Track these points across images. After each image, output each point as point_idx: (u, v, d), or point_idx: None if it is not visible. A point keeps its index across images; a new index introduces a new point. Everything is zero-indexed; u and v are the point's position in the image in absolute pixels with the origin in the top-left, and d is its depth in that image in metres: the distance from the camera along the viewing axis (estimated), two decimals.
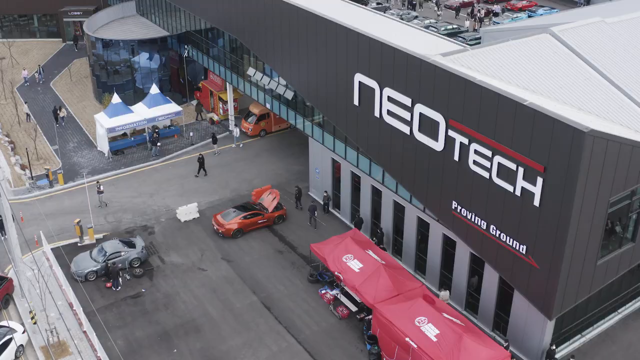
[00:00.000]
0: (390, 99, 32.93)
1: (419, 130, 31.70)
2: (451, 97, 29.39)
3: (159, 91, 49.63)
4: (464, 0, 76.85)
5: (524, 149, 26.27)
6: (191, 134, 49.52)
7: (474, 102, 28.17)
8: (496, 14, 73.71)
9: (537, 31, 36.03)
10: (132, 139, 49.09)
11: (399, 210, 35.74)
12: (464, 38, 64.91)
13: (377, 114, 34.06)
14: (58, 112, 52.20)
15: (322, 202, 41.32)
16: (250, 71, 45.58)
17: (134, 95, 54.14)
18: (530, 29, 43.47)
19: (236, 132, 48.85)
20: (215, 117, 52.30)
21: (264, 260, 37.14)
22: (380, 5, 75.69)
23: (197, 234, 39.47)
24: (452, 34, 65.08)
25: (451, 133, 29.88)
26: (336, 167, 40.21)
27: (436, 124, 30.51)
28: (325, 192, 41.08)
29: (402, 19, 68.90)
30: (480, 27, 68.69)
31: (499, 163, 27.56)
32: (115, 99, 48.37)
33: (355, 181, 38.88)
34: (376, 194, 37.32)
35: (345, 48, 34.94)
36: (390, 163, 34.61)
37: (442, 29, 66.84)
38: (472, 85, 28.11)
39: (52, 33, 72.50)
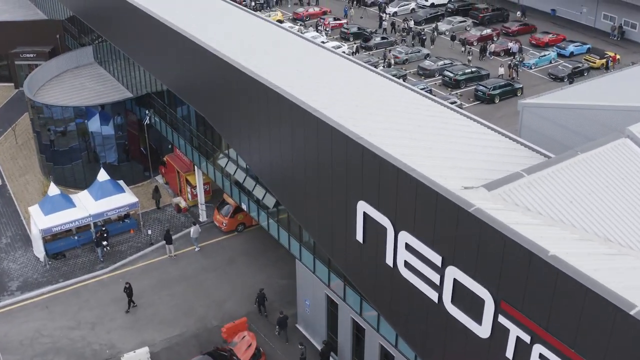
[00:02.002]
0: (409, 247, 22.69)
1: (453, 301, 21.51)
2: (505, 270, 19.18)
3: (108, 177, 39.25)
4: (482, 34, 66.39)
5: None
6: (149, 232, 39.21)
7: (544, 285, 17.97)
8: (512, 54, 62.88)
9: (608, 133, 26.06)
10: (76, 237, 38.87)
11: None
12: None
13: (389, 261, 23.82)
14: None
15: (319, 350, 31.08)
16: (222, 160, 35.34)
17: (83, 169, 43.98)
18: (586, 109, 33.42)
19: (193, 232, 38.44)
20: (183, 204, 41.97)
21: None
22: (385, 40, 65.30)
23: None
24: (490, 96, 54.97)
25: (503, 320, 19.68)
26: (332, 304, 30.02)
27: (480, 301, 20.30)
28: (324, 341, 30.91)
29: (422, 72, 58.54)
30: (517, 75, 58.05)
31: None
32: (53, 189, 38.10)
33: (358, 332, 28.69)
34: (387, 357, 27.11)
35: (343, 161, 24.72)
36: (407, 331, 24.40)
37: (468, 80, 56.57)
38: (540, 261, 17.90)
39: (3, 77, 62.25)
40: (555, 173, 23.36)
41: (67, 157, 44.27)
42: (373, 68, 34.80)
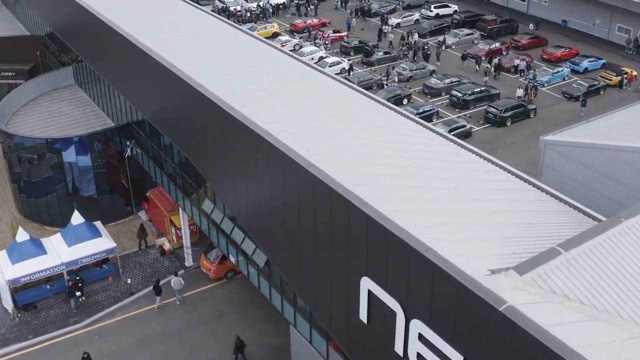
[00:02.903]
0: (423, 339, 18.89)
1: None
2: None
3: (82, 220, 35.41)
4: (491, 48, 62.50)
5: None
6: (129, 281, 35.39)
7: None
8: (521, 72, 58.79)
9: None
10: (48, 286, 35.09)
11: None
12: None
13: (399, 350, 20.03)
14: None
15: None
16: (207, 205, 31.55)
17: (59, 203, 40.23)
18: (616, 150, 29.73)
19: (174, 283, 34.48)
20: (167, 245, 38.14)
21: None
22: (388, 55, 61.47)
23: None
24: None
25: None
26: None
27: None
28: None
29: (428, 90, 54.70)
30: (533, 97, 53.82)
31: None
32: (22, 235, 34.31)
33: None
34: None
35: (343, 227, 20.95)
36: None
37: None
38: None
39: None
40: (597, 247, 19.61)
41: (40, 189, 40.51)
42: (377, 98, 30.99)
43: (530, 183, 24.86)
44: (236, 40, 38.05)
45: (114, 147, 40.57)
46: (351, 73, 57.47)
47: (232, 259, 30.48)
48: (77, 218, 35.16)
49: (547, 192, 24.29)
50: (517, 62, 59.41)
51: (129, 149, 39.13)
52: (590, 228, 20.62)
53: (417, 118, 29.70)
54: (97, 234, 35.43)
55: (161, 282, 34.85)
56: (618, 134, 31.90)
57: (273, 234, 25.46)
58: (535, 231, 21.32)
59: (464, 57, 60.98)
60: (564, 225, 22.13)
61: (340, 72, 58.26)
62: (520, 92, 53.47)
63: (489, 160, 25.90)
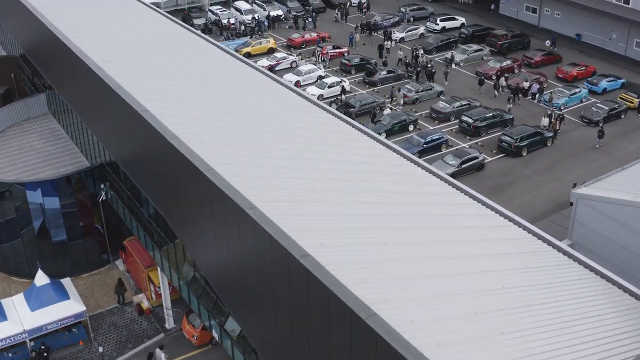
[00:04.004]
0: None
1: None
2: None
3: (47, 280, 31.10)
4: (502, 66, 58.19)
5: None
6: (100, 349, 31.04)
7: None
8: (533, 95, 54.07)
9: None
10: (10, 354, 30.82)
11: None
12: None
13: None
14: None
15: None
16: (187, 269, 27.31)
17: (25, 250, 36.04)
18: None
19: (159, 357, 30.17)
20: (146, 304, 33.82)
21: None
22: (392, 74, 57.18)
23: None
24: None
25: None
26: None
27: None
28: None
29: (436, 115, 50.46)
30: (559, 127, 48.82)
31: None
32: None
33: None
34: None
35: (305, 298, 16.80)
36: None
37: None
38: None
39: None
40: None
41: (3, 233, 36.29)
42: (377, 137, 27.19)
43: (566, 254, 21.18)
44: (219, 65, 34.41)
45: (87, 189, 36.35)
46: (343, 96, 53.02)
47: (215, 335, 26.25)
48: (41, 278, 30.87)
49: (585, 266, 20.69)
50: (526, 84, 54.58)
51: (103, 193, 34.88)
52: None
53: (413, 157, 26.41)
54: (64, 295, 31.14)
55: (140, 347, 30.66)
56: None
57: (238, 297, 21.37)
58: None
59: (480, 82, 55.50)
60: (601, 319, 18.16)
61: (341, 93, 54.13)
62: (545, 121, 48.80)
63: (504, 216, 22.43)
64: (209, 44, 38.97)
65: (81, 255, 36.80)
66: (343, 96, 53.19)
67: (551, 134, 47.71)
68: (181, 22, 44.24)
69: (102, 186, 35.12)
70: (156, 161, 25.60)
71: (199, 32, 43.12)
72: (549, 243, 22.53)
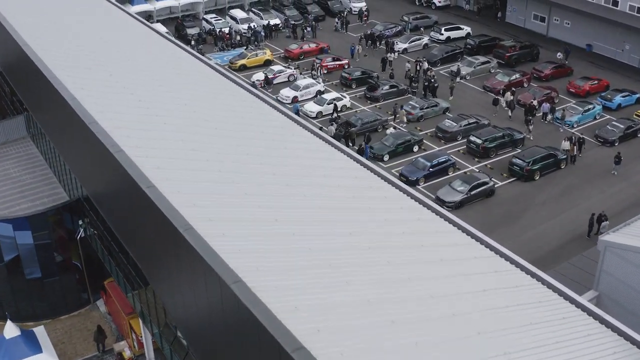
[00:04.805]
0: None
1: None
2: None
3: (18, 332, 28.11)
4: (511, 79, 55.20)
5: None
6: None
7: None
8: (545, 114, 50.64)
9: None
10: None
11: None
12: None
13: None
14: None
15: None
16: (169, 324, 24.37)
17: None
18: None
19: None
20: (127, 353, 30.87)
21: None
22: (395, 89, 54.20)
23: None
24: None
25: None
26: None
27: None
28: None
29: (442, 134, 47.57)
30: (580, 152, 45.75)
31: None
32: None
33: None
34: None
35: None
36: None
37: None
38: None
39: None
40: None
41: None
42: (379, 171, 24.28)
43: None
44: (207, 90, 31.62)
45: (65, 224, 33.44)
46: (337, 116, 49.89)
47: None
48: (10, 330, 27.91)
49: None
50: (534, 102, 51.33)
51: (81, 230, 31.98)
52: None
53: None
54: (36, 348, 28.12)
55: None
56: None
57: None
58: None
59: (495, 102, 51.98)
60: None
61: (341, 109, 51.23)
62: (566, 144, 45.35)
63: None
64: (195, 60, 36.33)
65: (59, 295, 33.89)
66: (335, 114, 50.01)
67: (565, 156, 44.72)
68: (169, 37, 41.38)
69: (80, 222, 32.19)
70: (126, 202, 22.80)
71: (187, 47, 40.35)
72: (578, 305, 19.94)
